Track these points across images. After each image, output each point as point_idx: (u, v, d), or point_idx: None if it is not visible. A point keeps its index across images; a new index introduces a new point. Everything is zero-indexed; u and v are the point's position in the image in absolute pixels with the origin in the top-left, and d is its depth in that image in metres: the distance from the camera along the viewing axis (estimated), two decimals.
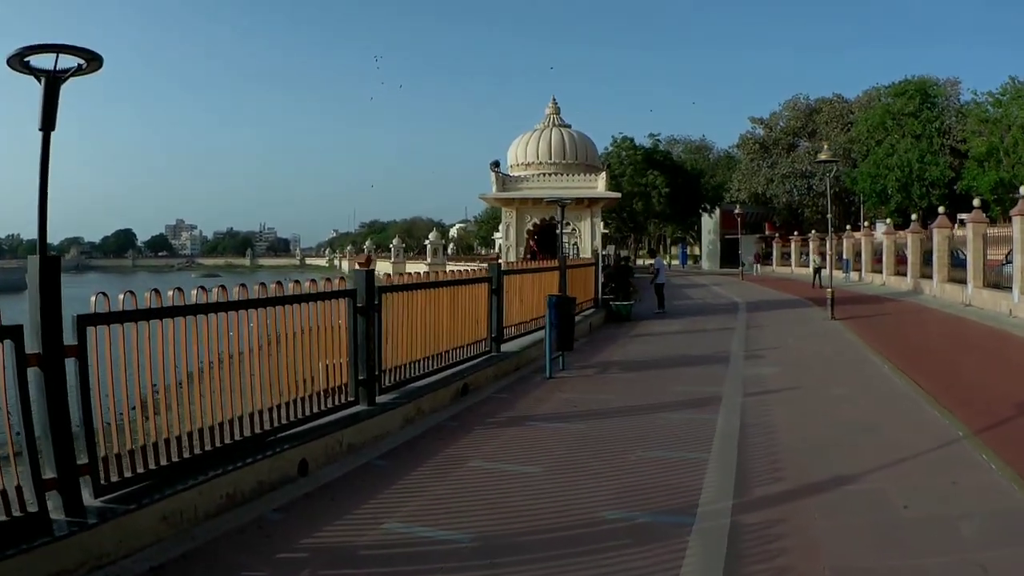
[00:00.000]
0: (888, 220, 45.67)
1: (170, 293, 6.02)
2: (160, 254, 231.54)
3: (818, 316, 23.47)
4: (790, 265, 58.96)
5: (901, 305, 27.47)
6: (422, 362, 10.64)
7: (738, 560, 5.31)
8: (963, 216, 31.80)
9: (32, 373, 4.89)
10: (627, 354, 16.63)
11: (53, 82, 5.14)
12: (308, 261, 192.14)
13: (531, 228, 26.06)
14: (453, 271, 14.36)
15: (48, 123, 5.14)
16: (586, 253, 25.30)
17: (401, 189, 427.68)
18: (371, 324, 9.02)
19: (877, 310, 25.42)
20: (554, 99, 28.18)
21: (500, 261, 15.22)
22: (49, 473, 4.97)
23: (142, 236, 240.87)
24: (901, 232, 37.56)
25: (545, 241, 27.84)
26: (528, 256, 24.62)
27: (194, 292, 6.29)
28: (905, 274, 34.60)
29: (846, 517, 6.19)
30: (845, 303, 23.40)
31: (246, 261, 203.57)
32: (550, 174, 26.03)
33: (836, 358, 15.50)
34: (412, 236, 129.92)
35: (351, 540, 5.96)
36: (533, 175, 26.14)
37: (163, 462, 5.91)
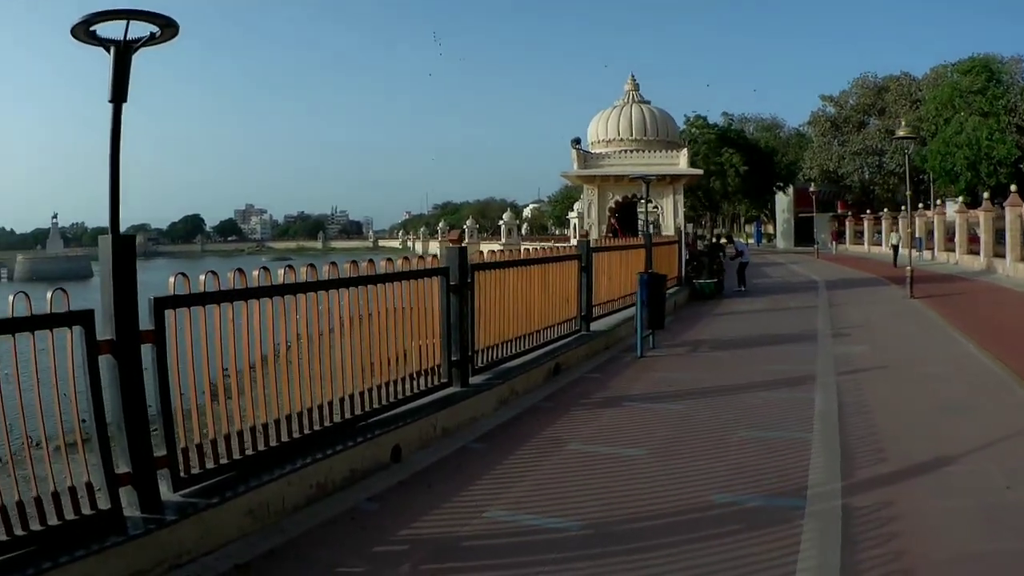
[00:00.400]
0: (960, 199, 42.74)
1: (255, 273, 5.31)
2: (229, 239, 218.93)
3: (897, 295, 21.96)
4: (863, 243, 56.38)
5: (975, 284, 25.59)
6: (514, 342, 9.84)
7: (853, 544, 4.85)
8: None
9: (104, 361, 4.24)
10: (715, 332, 15.54)
11: (124, 53, 4.42)
12: (381, 243, 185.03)
13: (612, 206, 24.91)
14: (540, 248, 13.51)
15: (119, 94, 4.42)
16: (668, 231, 23.99)
17: (474, 171, 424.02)
18: (464, 303, 8.25)
19: (953, 289, 23.63)
20: (632, 76, 26.67)
21: (589, 238, 14.28)
22: (123, 467, 4.32)
23: (211, 221, 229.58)
24: (973, 211, 35.26)
25: (626, 219, 26.70)
26: (610, 234, 23.48)
27: (281, 271, 5.58)
28: (977, 253, 32.41)
29: (953, 499, 5.66)
30: (921, 282, 21.94)
31: (318, 244, 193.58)
32: (631, 151, 24.71)
33: (921, 337, 14.44)
34: (485, 217, 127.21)
35: (453, 530, 5.25)
36: (614, 152, 24.88)
37: (248, 452, 5.21)
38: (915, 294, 20.76)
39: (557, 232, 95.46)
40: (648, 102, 26.25)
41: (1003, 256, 28.43)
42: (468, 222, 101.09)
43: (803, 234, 68.45)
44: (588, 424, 8.21)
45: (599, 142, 25.85)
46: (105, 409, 4.19)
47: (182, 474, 4.72)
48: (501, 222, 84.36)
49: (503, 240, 76.63)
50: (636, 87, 26.41)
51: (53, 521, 3.95)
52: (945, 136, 50.97)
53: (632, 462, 6.73)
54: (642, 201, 23.66)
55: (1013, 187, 29.60)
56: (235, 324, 5.11)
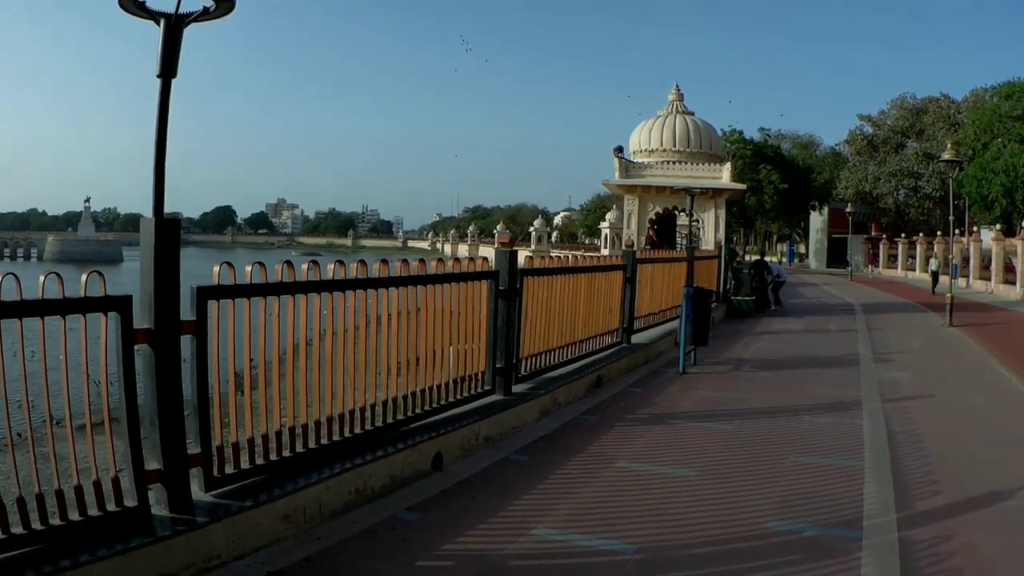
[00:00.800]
0: (998, 226, 41.07)
1: (304, 266, 4.93)
2: (260, 231, 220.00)
3: (935, 322, 21.19)
4: (896, 267, 54.96)
5: (1012, 315, 24.71)
6: (557, 351, 9.38)
7: None
8: None
9: (141, 352, 3.87)
10: (756, 352, 14.95)
11: (175, 26, 4.05)
12: (410, 243, 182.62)
13: (652, 217, 24.30)
14: (585, 257, 13.10)
15: (168, 69, 4.04)
16: (708, 245, 23.32)
17: (507, 176, 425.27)
18: (512, 309, 7.82)
19: (991, 319, 22.77)
20: (677, 86, 25.97)
21: (634, 248, 13.81)
22: (153, 464, 3.94)
23: (243, 214, 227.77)
24: (1010, 240, 33.97)
25: (664, 231, 26.03)
26: (648, 246, 22.97)
27: (331, 266, 5.20)
28: (1014, 283, 31.27)
29: (1012, 536, 5.34)
30: (959, 310, 21.12)
31: (347, 241, 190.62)
32: (673, 162, 24.07)
33: (964, 366, 13.92)
34: (516, 223, 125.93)
35: (500, 547, 4.86)
36: (656, 162, 24.25)
37: (285, 453, 4.82)
38: (954, 322, 19.98)
39: (587, 241, 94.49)
40: (692, 113, 25.61)
41: None
42: (499, 227, 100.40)
43: (836, 255, 66.90)
44: (635, 441, 7.77)
45: (641, 152, 25.27)
46: (138, 402, 3.81)
47: (215, 473, 4.34)
48: (532, 228, 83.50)
49: (532, 247, 75.88)
50: (680, 97, 25.75)
51: (75, 517, 3.60)
52: (983, 161, 49.03)
53: (684, 483, 6.34)
54: (683, 214, 23.11)
55: None
56: (280, 319, 4.71)
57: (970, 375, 12.85)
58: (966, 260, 40.63)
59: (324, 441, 5.14)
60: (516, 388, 8.05)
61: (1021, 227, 31.37)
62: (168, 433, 3.92)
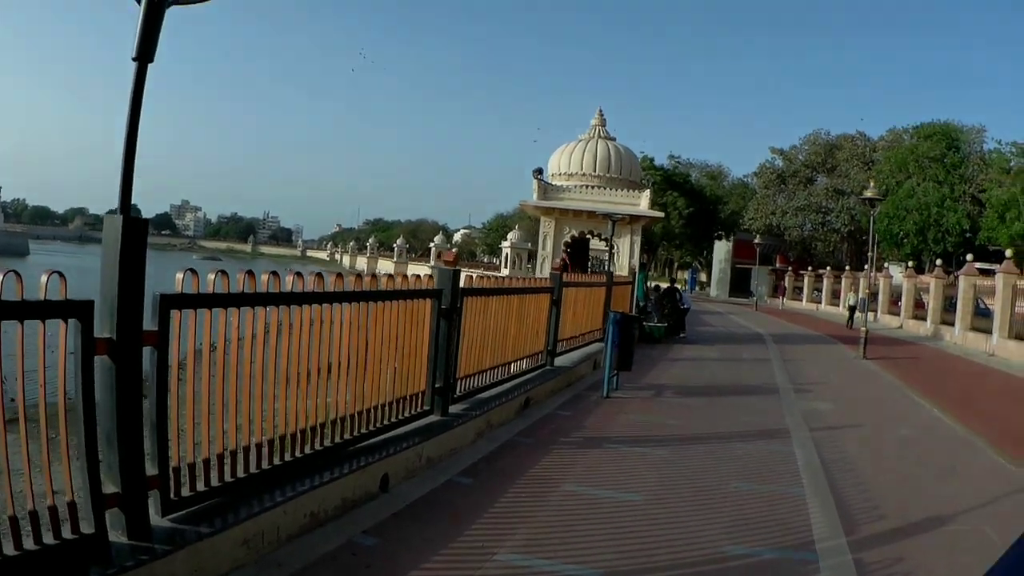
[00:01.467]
0: (910, 263, 43.26)
1: (264, 277, 4.72)
2: (163, 232, 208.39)
3: (849, 355, 22.07)
4: (802, 299, 57.05)
5: (923, 350, 25.93)
6: (489, 372, 9.35)
7: None
8: (980, 265, 30.28)
9: (100, 364, 3.61)
10: (674, 378, 15.24)
11: (157, 6, 3.85)
12: (309, 253, 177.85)
13: (568, 240, 24.58)
14: (517, 279, 13.06)
15: (146, 52, 3.83)
16: (622, 271, 23.74)
17: (407, 191, 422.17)
18: (452, 328, 7.75)
19: (903, 352, 23.89)
20: (600, 111, 26.51)
21: (561, 272, 13.90)
22: (111, 487, 3.68)
23: (147, 213, 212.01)
24: (922, 277, 35.81)
25: (577, 255, 26.31)
26: (561, 269, 23.19)
27: (289, 278, 5.00)
28: (923, 319, 32.82)
29: (960, 556, 5.60)
30: (871, 343, 22.24)
31: (247, 247, 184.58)
32: (593, 186, 24.45)
33: (883, 398, 14.50)
34: (416, 238, 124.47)
35: (466, 574, 4.76)
36: (575, 186, 24.54)
37: (240, 474, 4.61)
38: (868, 355, 20.88)
39: (486, 260, 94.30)
40: (614, 138, 26.08)
41: (951, 324, 28.69)
42: (399, 241, 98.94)
43: (740, 285, 68.74)
44: (575, 465, 7.79)
45: (560, 175, 25.54)
46: (96, 420, 3.54)
47: (172, 496, 4.09)
48: (432, 244, 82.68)
49: (431, 263, 75.17)
50: (603, 122, 26.20)
51: (30, 545, 3.31)
52: (896, 199, 51.62)
53: (634, 508, 6.40)
54: (598, 238, 23.42)
55: (970, 257, 29.95)
56: (239, 331, 4.50)
57: (891, 407, 13.41)
58: (874, 295, 42.43)
59: (277, 461, 4.94)
60: (452, 408, 7.95)
61: (931, 264, 32.89)
62: (128, 453, 3.67)
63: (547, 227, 24.62)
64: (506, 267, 40.94)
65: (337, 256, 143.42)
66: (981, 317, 26.11)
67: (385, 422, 6.50)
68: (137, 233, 3.72)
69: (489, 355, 9.32)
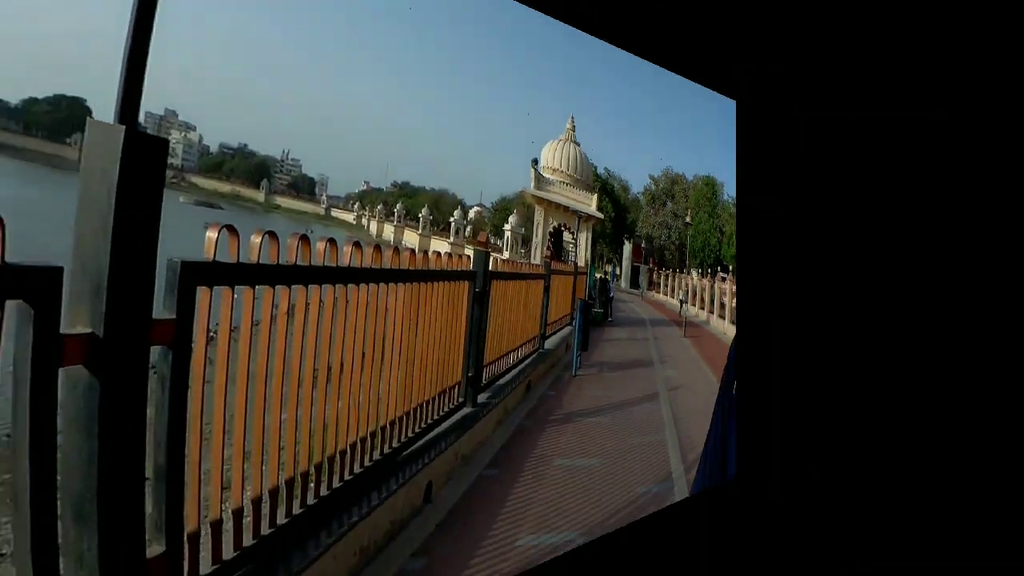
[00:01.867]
0: (698, 271, 48.16)
1: (320, 246, 2.78)
2: None
3: (677, 333, 22.99)
4: (660, 293, 59.94)
5: (702, 330, 28.59)
6: (505, 358, 7.55)
7: None
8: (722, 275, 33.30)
9: (70, 379, 1.65)
10: (607, 355, 14.92)
11: None
12: (334, 213, 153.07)
13: (551, 231, 23.09)
14: (507, 261, 11.58)
15: None
16: (580, 263, 22.38)
17: (433, 158, 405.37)
18: (483, 313, 5.90)
19: (698, 332, 25.49)
20: (572, 117, 25.12)
21: (549, 259, 12.34)
22: None
23: (103, 115, 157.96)
24: (702, 280, 39.54)
25: (556, 245, 25.16)
26: (547, 258, 21.83)
27: (347, 248, 3.06)
28: (703, 308, 36.31)
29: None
30: (684, 325, 23.47)
31: (259, 195, 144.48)
32: (567, 184, 23.03)
33: (692, 364, 15.23)
34: (439, 210, 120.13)
35: (498, 568, 3.68)
36: (557, 181, 23.07)
37: (281, 519, 2.66)
38: (686, 334, 21.33)
39: (490, 240, 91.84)
40: (579, 144, 24.53)
41: (713, 313, 31.96)
42: (423, 211, 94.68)
43: (635, 279, 70.74)
44: (560, 440, 7.04)
45: (548, 168, 23.94)
46: (58, 477, 1.59)
47: None
48: (452, 219, 79.33)
49: (451, 239, 72.41)
50: (574, 128, 24.67)
51: None
52: (695, 225, 56.85)
53: (595, 471, 6.18)
54: (568, 232, 22.01)
55: (720, 269, 33.44)
56: (271, 315, 2.55)
57: (695, 370, 14.06)
58: (692, 292, 45.75)
59: (324, 492, 3.00)
60: (480, 398, 6.11)
61: (706, 272, 35.61)
62: (114, 531, 1.71)
63: (539, 216, 22.95)
64: (507, 250, 39.42)
65: (364, 221, 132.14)
66: (722, 308, 28.50)
67: (429, 421, 4.62)
68: (150, 160, 1.76)
69: (506, 340, 7.51)
